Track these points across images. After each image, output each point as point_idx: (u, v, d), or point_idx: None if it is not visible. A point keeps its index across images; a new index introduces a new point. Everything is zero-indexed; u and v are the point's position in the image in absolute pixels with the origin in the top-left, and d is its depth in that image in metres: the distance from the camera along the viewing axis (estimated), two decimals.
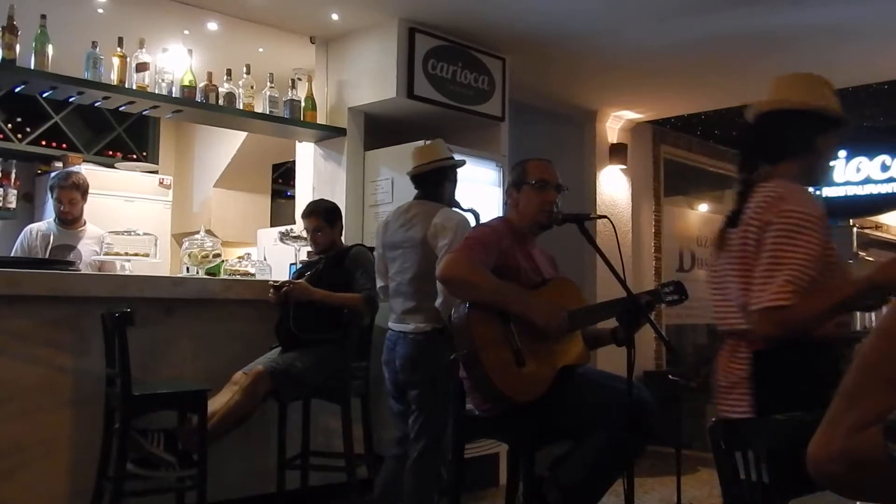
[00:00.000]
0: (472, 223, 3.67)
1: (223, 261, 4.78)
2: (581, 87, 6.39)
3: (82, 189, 4.83)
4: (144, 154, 7.00)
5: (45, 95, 4.84)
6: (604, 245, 3.15)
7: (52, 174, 4.91)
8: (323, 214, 4.29)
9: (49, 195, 4.91)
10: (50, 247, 4.64)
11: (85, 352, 3.71)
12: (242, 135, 6.46)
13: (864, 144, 5.69)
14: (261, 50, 5.40)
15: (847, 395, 0.93)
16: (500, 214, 4.17)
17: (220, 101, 4.91)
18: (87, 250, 4.78)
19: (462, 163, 4.02)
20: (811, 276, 2.05)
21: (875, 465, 0.85)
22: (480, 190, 5.14)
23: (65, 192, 4.75)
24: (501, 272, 2.95)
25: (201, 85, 4.85)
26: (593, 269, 6.30)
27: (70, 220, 4.81)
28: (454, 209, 3.79)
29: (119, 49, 4.55)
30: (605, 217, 3.65)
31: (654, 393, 3.03)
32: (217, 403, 3.74)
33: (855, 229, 5.79)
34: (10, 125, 6.31)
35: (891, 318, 0.92)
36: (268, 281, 4.28)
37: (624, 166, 7.13)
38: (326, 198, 4.78)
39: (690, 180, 8.50)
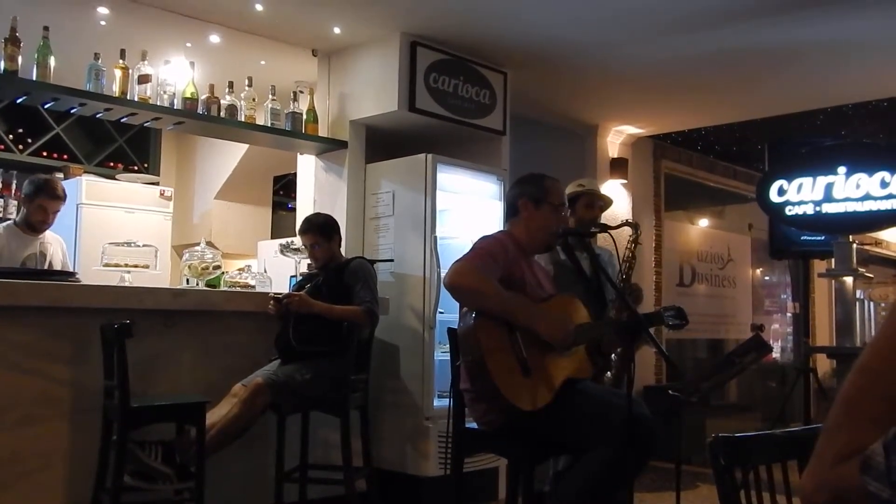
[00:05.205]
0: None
1: (223, 272, 4.78)
2: (582, 101, 6.40)
3: (65, 200, 4.71)
4: (145, 165, 7.02)
5: (46, 107, 4.85)
6: None
7: (32, 180, 4.62)
8: (318, 230, 4.28)
9: (26, 200, 4.59)
10: (24, 255, 4.56)
11: (83, 363, 3.69)
12: (244, 147, 6.48)
13: (864, 161, 5.68)
14: (263, 63, 5.42)
15: (830, 429, 0.95)
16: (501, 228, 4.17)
17: (222, 114, 4.92)
18: (56, 259, 4.72)
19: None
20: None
21: (855, 498, 0.87)
22: (481, 203, 5.15)
23: (53, 203, 4.58)
24: (508, 284, 2.96)
25: (203, 97, 4.86)
26: None
27: (42, 229, 4.65)
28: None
29: (121, 61, 4.56)
30: (605, 231, 3.68)
31: (654, 408, 3.03)
32: (216, 416, 3.73)
33: (854, 245, 5.78)
34: (11, 136, 6.33)
35: (868, 356, 0.94)
36: (268, 293, 4.28)
37: (624, 181, 7.14)
38: (327, 210, 4.79)
39: (691, 195, 8.52)
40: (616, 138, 7.21)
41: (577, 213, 4.16)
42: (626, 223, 4.21)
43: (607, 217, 4.40)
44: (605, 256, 4.17)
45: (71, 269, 4.69)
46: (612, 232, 3.77)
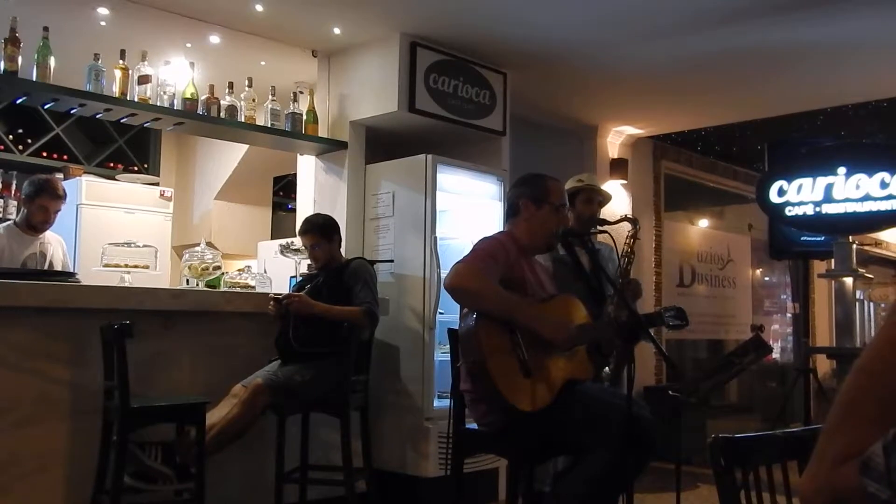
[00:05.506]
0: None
1: (223, 273, 4.78)
2: (582, 102, 6.40)
3: (66, 200, 4.71)
4: (145, 166, 7.02)
5: (46, 107, 4.85)
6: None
7: (33, 181, 4.62)
8: (318, 230, 4.28)
9: (27, 200, 4.57)
10: (24, 255, 4.56)
11: (83, 364, 3.70)
12: (244, 147, 6.48)
13: (864, 161, 5.68)
14: (263, 63, 5.42)
15: (830, 430, 0.96)
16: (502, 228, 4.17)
17: (222, 114, 4.92)
18: (57, 259, 4.72)
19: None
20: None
21: (855, 499, 0.87)
22: (481, 204, 5.15)
23: (54, 203, 4.58)
24: (508, 285, 2.96)
25: (203, 97, 4.86)
26: None
27: (43, 229, 4.65)
28: None
29: (121, 61, 4.56)
30: (605, 232, 3.67)
31: (654, 408, 3.03)
32: (216, 416, 3.73)
33: (854, 246, 5.78)
34: (11, 136, 6.33)
35: (868, 357, 0.94)
36: (268, 294, 4.28)
37: (625, 181, 7.14)
38: (327, 211, 4.79)
39: (690, 196, 8.52)
40: (616, 139, 7.21)
41: (576, 209, 4.16)
42: (626, 218, 4.21)
43: (606, 214, 4.40)
44: (605, 251, 4.17)
45: (71, 269, 4.70)
46: (611, 228, 3.78)
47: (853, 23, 4.73)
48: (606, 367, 3.74)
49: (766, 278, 9.99)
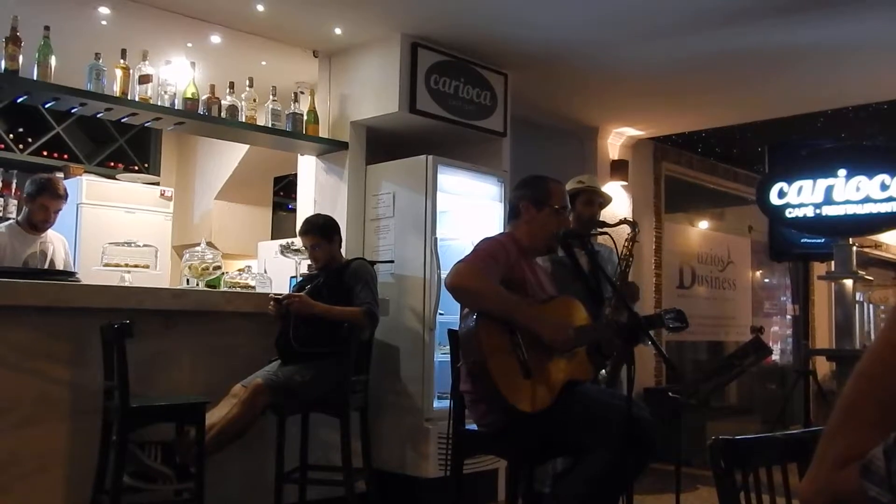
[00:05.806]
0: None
1: (223, 273, 4.78)
2: (583, 103, 6.40)
3: (67, 199, 4.70)
4: (146, 165, 7.02)
5: (47, 106, 4.85)
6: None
7: (34, 180, 4.61)
8: (318, 231, 4.29)
9: (28, 199, 4.57)
10: (25, 254, 4.57)
11: (83, 363, 3.69)
12: (244, 147, 6.48)
13: (864, 164, 5.68)
14: (264, 63, 5.42)
15: (830, 433, 0.96)
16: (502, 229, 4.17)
17: (223, 114, 4.92)
18: (59, 258, 4.72)
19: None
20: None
21: (855, 502, 0.88)
22: (481, 205, 5.15)
23: (55, 202, 4.57)
24: (509, 286, 2.97)
25: (204, 97, 4.86)
26: None
27: (44, 228, 4.64)
28: None
29: (122, 61, 4.56)
30: (606, 233, 3.68)
31: (654, 409, 3.03)
32: (215, 416, 3.73)
33: (854, 248, 5.78)
34: (11, 135, 6.33)
35: (868, 360, 0.95)
36: (268, 294, 4.28)
37: (625, 183, 7.14)
38: (327, 211, 4.80)
39: (691, 197, 8.52)
40: (616, 140, 7.21)
41: (576, 210, 4.15)
42: (625, 221, 4.22)
43: (606, 216, 4.40)
44: (605, 253, 4.18)
45: (73, 268, 4.70)
46: (610, 230, 3.78)
47: (853, 24, 4.73)
48: (603, 370, 3.75)
49: (766, 280, 9.99)
